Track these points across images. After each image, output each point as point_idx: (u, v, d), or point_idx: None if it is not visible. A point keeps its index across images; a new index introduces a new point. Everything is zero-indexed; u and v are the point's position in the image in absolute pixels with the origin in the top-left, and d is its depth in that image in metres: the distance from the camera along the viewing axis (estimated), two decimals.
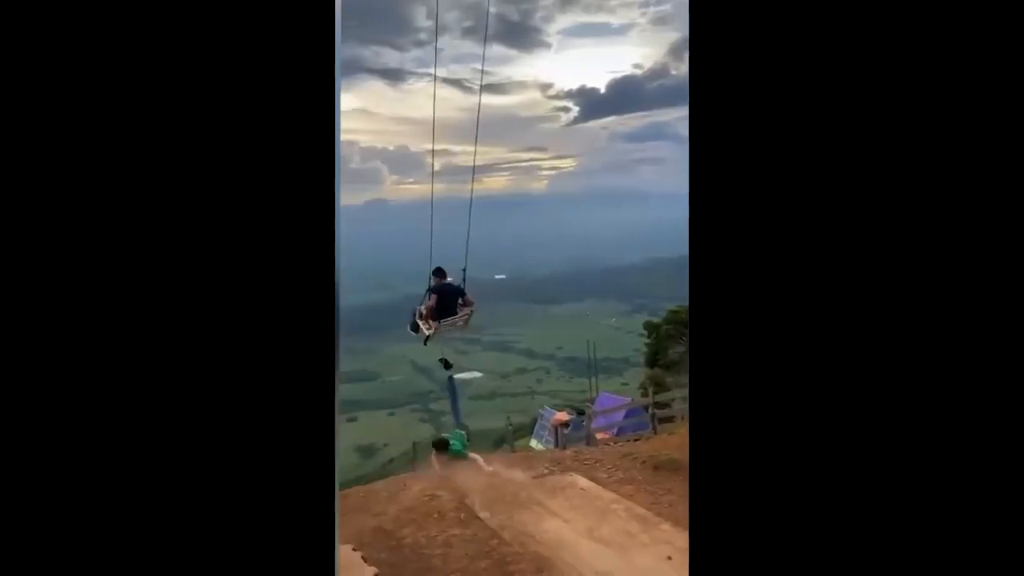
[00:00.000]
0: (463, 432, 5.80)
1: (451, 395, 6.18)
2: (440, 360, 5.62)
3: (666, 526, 3.91)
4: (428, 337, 5.27)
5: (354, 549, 3.85)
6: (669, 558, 3.51)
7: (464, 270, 5.47)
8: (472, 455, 5.62)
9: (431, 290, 5.36)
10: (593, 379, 29.77)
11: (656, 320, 17.66)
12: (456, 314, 5.33)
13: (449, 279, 5.47)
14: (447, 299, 5.32)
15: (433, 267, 5.42)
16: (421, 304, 5.41)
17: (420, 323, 5.31)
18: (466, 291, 5.41)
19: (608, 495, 4.57)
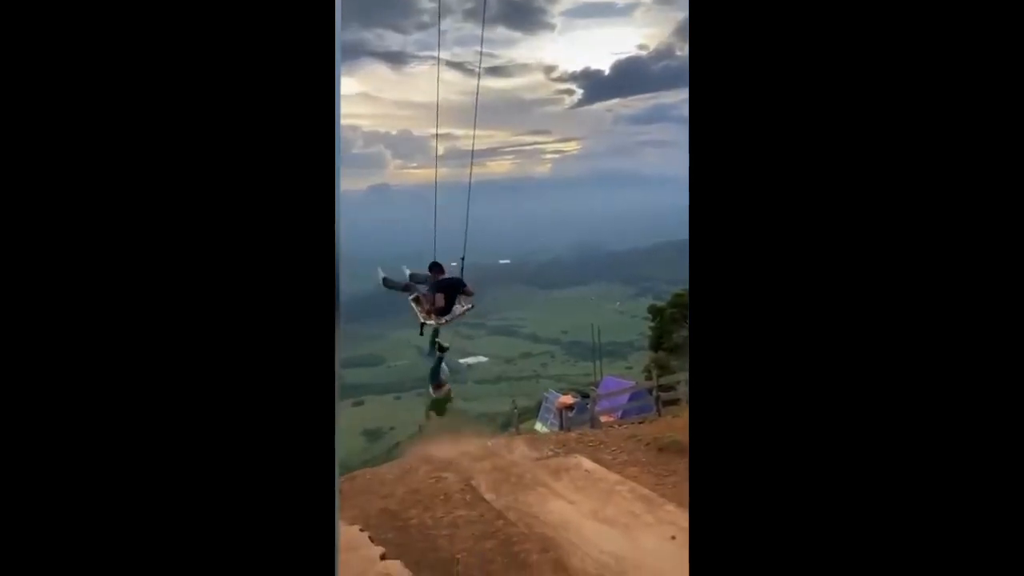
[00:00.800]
0: (437, 394, 5.70)
1: (435, 359, 6.07)
2: (435, 342, 5.57)
3: (670, 506, 3.95)
4: (423, 325, 5.26)
5: (361, 530, 3.91)
6: (673, 538, 3.56)
7: (463, 259, 5.40)
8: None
9: (435, 288, 5.29)
10: (598, 363, 29.76)
11: (660, 304, 17.60)
12: (458, 306, 5.31)
13: (454, 265, 5.43)
14: (450, 293, 5.29)
15: (431, 261, 5.35)
16: (423, 288, 5.38)
17: (418, 310, 5.28)
18: (465, 281, 5.36)
19: (613, 476, 4.62)
